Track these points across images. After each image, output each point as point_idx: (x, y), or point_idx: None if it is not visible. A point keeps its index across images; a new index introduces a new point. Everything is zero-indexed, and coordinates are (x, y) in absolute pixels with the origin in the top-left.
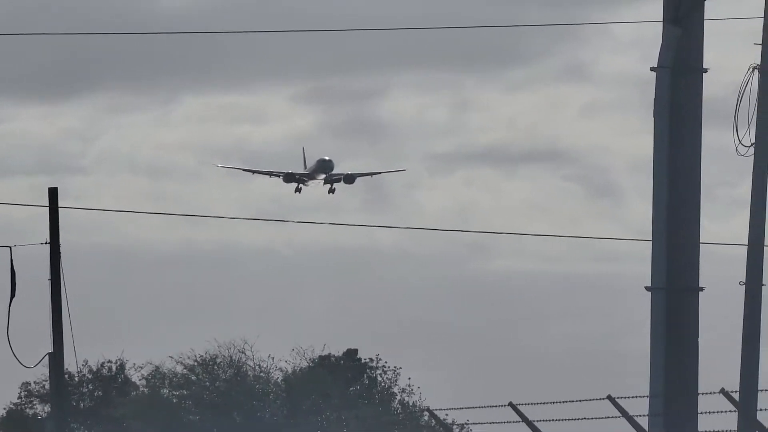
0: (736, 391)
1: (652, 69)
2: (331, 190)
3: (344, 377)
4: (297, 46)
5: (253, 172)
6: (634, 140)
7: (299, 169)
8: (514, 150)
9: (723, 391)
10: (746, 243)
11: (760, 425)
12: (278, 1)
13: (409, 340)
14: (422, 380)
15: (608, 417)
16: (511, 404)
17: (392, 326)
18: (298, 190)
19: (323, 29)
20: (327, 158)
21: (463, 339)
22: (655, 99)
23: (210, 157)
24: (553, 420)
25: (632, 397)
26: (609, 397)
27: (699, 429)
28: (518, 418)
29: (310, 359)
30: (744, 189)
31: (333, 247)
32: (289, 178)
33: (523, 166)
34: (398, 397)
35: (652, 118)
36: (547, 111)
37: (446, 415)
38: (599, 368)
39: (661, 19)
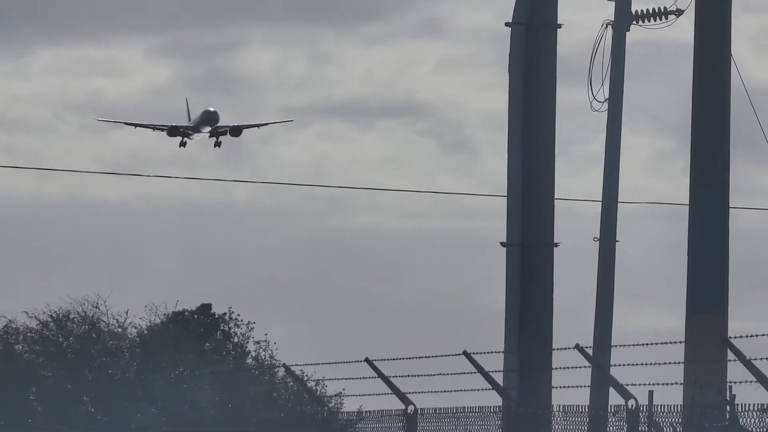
0: (590, 347)
1: (507, 24)
2: (217, 144)
3: (198, 333)
4: None
5: (136, 125)
6: (490, 96)
7: (182, 122)
8: (371, 104)
9: (577, 347)
10: (600, 199)
11: (612, 380)
12: None
13: (265, 296)
14: (278, 336)
15: (464, 372)
16: (367, 360)
17: (248, 282)
18: (182, 144)
19: None
20: (212, 109)
21: (320, 294)
22: (509, 55)
23: (65, 111)
24: (409, 375)
25: (488, 352)
26: (465, 353)
27: (553, 384)
28: (374, 374)
29: (163, 314)
30: (598, 145)
31: (188, 202)
32: (173, 131)
33: (380, 120)
34: (252, 353)
35: (507, 74)
36: (404, 66)
37: (301, 370)
38: (455, 324)
39: None
